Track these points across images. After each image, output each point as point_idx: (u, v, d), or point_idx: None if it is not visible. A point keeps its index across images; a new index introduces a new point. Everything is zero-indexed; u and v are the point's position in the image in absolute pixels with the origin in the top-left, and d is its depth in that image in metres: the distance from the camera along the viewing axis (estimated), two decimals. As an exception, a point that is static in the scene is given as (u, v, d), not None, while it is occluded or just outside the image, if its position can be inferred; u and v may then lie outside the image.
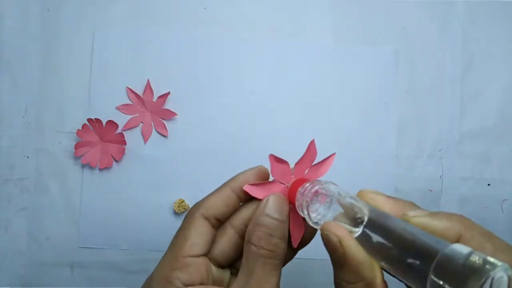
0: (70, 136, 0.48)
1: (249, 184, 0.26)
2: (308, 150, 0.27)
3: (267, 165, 0.28)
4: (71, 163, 0.48)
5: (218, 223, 0.27)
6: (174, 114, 0.48)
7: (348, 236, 0.22)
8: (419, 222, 0.22)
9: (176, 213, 0.48)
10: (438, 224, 0.21)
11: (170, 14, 0.49)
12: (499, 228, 0.49)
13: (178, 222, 0.48)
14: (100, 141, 0.48)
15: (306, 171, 0.27)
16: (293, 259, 0.45)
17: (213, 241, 0.27)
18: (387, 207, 0.24)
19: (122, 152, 0.48)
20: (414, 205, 0.25)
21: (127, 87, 0.48)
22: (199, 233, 0.26)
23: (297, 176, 0.27)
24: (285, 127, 0.49)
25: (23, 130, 0.48)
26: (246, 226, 0.26)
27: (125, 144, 0.48)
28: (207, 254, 0.26)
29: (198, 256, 0.25)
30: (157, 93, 0.48)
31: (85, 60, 0.48)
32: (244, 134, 0.49)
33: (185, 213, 0.49)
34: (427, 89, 0.50)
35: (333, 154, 0.28)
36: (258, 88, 0.49)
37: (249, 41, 0.49)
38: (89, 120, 0.47)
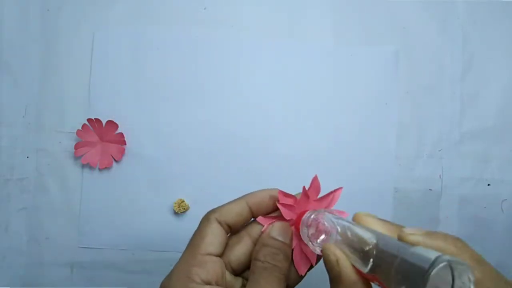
0: (70, 136, 0.48)
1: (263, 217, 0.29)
2: (311, 185, 0.29)
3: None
4: (71, 163, 0.48)
5: (230, 230, 0.29)
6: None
7: (345, 258, 0.24)
8: (415, 240, 0.22)
9: (176, 213, 0.48)
10: (432, 243, 0.22)
11: (170, 14, 0.49)
12: (499, 228, 0.49)
13: (178, 222, 0.48)
14: (100, 141, 0.48)
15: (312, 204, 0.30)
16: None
17: (228, 247, 0.29)
18: (382, 230, 0.25)
19: (122, 152, 0.48)
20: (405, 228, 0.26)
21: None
22: (214, 234, 0.28)
23: (299, 209, 0.29)
24: (285, 127, 0.49)
25: (23, 130, 0.48)
26: (260, 233, 0.29)
27: (125, 144, 0.48)
28: (221, 255, 0.29)
29: (214, 255, 0.28)
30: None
31: (85, 60, 0.48)
32: (244, 134, 0.49)
33: (185, 213, 0.49)
34: (427, 89, 0.50)
35: (340, 188, 0.30)
36: (258, 88, 0.49)
37: (249, 41, 0.49)
38: (89, 120, 0.47)
